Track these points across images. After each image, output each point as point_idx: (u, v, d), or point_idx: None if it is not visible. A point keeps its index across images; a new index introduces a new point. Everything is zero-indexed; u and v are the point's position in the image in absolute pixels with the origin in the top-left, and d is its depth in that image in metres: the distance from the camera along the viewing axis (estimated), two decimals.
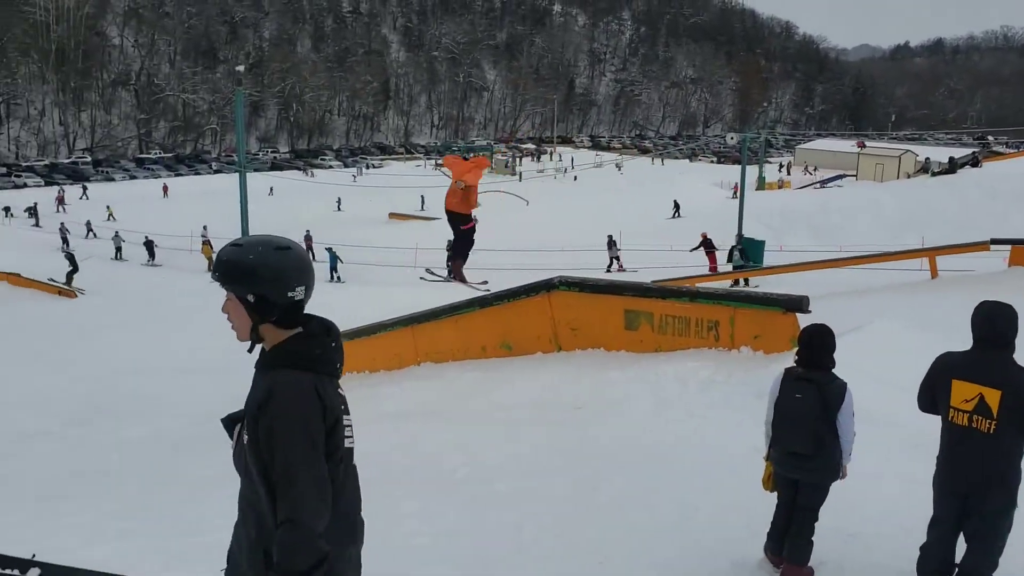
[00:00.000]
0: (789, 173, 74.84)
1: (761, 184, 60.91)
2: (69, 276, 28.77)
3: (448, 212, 10.82)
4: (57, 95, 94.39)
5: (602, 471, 6.52)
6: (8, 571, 4.42)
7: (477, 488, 6.47)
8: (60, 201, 56.80)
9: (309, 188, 66.84)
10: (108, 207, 51.91)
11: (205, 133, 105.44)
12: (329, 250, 30.61)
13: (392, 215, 48.15)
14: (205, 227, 37.74)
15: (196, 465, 8.62)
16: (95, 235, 42.69)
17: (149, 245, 35.71)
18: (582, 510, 5.78)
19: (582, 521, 5.59)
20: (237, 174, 40.66)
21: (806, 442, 4.35)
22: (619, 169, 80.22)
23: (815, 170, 75.46)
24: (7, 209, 53.03)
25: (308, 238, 34.39)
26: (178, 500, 6.99)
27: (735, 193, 48.82)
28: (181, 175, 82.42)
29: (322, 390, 2.48)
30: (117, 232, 37.73)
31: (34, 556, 4.59)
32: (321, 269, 27.69)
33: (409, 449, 7.96)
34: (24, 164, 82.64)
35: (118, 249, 36.82)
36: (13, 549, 4.77)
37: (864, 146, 71.02)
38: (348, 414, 2.61)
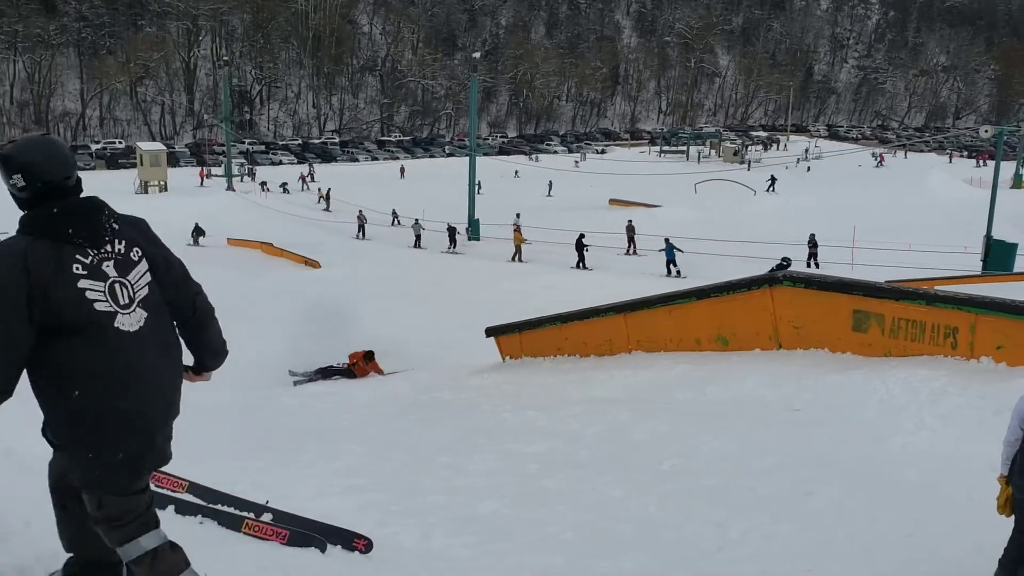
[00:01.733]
0: None
1: (1018, 182, 55.51)
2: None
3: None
4: (312, 79, 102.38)
5: (819, 476, 6.23)
6: (247, 513, 4.92)
7: (684, 481, 6.41)
8: (304, 179, 61.58)
9: (533, 172, 68.37)
10: (320, 190, 54.11)
11: (441, 118, 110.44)
12: (666, 240, 28.63)
13: (612, 201, 48.21)
14: (518, 215, 36.51)
15: (419, 431, 9.14)
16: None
17: (451, 232, 35.82)
18: (793, 514, 5.58)
19: (792, 525, 5.39)
20: (468, 157, 42.59)
21: None
22: (876, 160, 76.09)
23: None
24: (264, 184, 58.24)
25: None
26: (400, 463, 7.43)
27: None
28: (417, 157, 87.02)
29: (32, 254, 2.53)
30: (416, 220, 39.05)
31: (267, 502, 5.09)
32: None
33: (618, 436, 7.99)
34: (280, 143, 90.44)
35: (418, 237, 36.80)
36: (253, 494, 5.30)
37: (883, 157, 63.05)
38: (113, 278, 2.67)
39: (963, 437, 6.40)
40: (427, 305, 21.86)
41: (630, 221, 32.96)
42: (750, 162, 76.29)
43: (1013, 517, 4.33)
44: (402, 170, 71.39)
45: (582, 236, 29.78)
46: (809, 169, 70.98)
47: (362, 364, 14.75)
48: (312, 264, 29.73)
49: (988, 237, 27.50)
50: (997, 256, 26.31)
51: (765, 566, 4.84)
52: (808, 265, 27.77)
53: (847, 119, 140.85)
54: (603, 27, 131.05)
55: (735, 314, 10.72)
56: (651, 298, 12.05)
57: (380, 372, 14.74)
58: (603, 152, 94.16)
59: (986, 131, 33.55)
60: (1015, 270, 24.38)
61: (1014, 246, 26.42)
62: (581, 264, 29.50)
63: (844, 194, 46.14)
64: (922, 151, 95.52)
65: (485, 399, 10.69)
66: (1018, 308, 8.19)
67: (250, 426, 9.53)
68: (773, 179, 55.90)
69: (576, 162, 78.46)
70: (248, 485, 5.81)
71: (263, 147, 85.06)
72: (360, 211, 40.28)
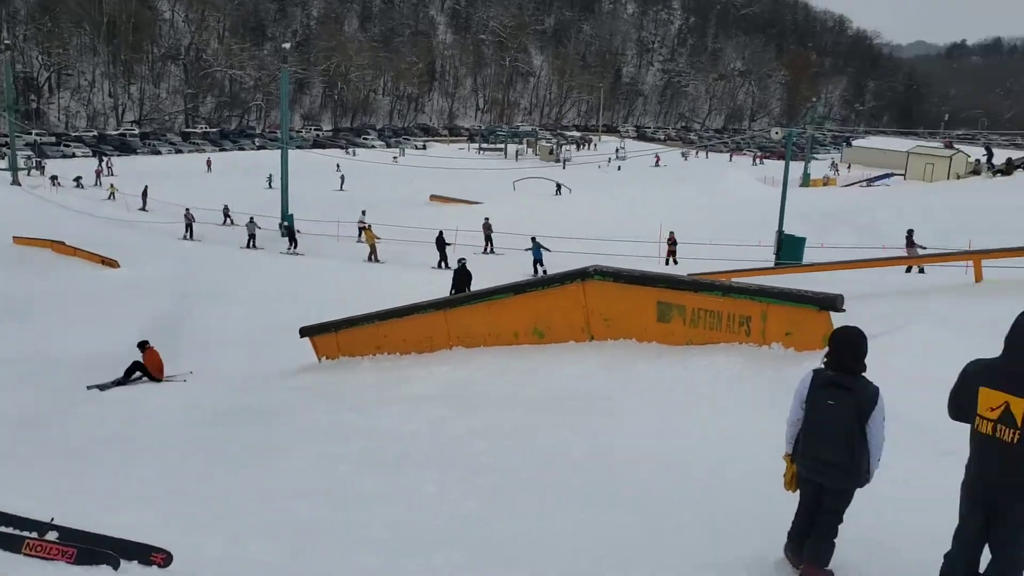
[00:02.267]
0: (837, 171, 73.73)
1: (806, 181, 60.08)
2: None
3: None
4: (107, 67, 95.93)
5: (627, 464, 6.48)
6: (28, 533, 4.52)
7: (500, 475, 6.47)
8: (99, 174, 57.29)
9: (353, 167, 67.29)
10: (112, 186, 49.93)
11: (250, 109, 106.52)
12: (533, 239, 28.14)
13: (433, 197, 48.20)
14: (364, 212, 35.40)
15: (227, 436, 8.74)
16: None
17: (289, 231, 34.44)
18: (607, 502, 5.75)
19: (602, 514, 5.56)
20: (280, 150, 41.24)
21: (839, 451, 4.27)
22: (685, 158, 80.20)
23: (848, 168, 74.58)
24: (55, 178, 54.00)
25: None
26: (206, 470, 7.07)
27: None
28: (226, 150, 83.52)
29: None
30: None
31: (52, 519, 4.69)
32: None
33: (435, 433, 7.98)
34: (72, 134, 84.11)
35: (252, 236, 34.26)
36: (37, 511, 4.87)
37: (951, 145, 69.18)
38: None
39: (756, 418, 6.81)
40: (248, 306, 20.92)
41: (487, 219, 32.19)
42: (565, 161, 78.60)
43: (798, 492, 4.67)
44: (208, 163, 68.30)
45: (442, 234, 29.40)
46: (620, 168, 73.89)
47: (144, 358, 14.08)
48: (110, 264, 27.85)
49: (780, 232, 29.59)
50: (788, 249, 28.35)
51: (577, 556, 4.96)
52: (667, 263, 28.28)
53: (654, 120, 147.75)
54: (418, 22, 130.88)
55: (550, 308, 10.98)
56: (470, 294, 12.14)
57: (159, 362, 14.09)
58: (424, 147, 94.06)
59: (776, 133, 36.02)
60: (804, 262, 26.29)
61: (803, 240, 28.54)
62: (443, 263, 28.67)
63: (650, 193, 48.28)
64: (721, 151, 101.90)
65: (299, 401, 10.39)
66: (804, 297, 8.84)
67: (38, 437, 8.80)
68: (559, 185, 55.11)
69: (395, 157, 77.96)
70: (32, 502, 5.34)
71: (53, 138, 78.79)
72: (187, 209, 37.47)
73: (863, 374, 4.34)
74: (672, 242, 29.50)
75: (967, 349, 4.63)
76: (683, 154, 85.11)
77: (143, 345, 14.22)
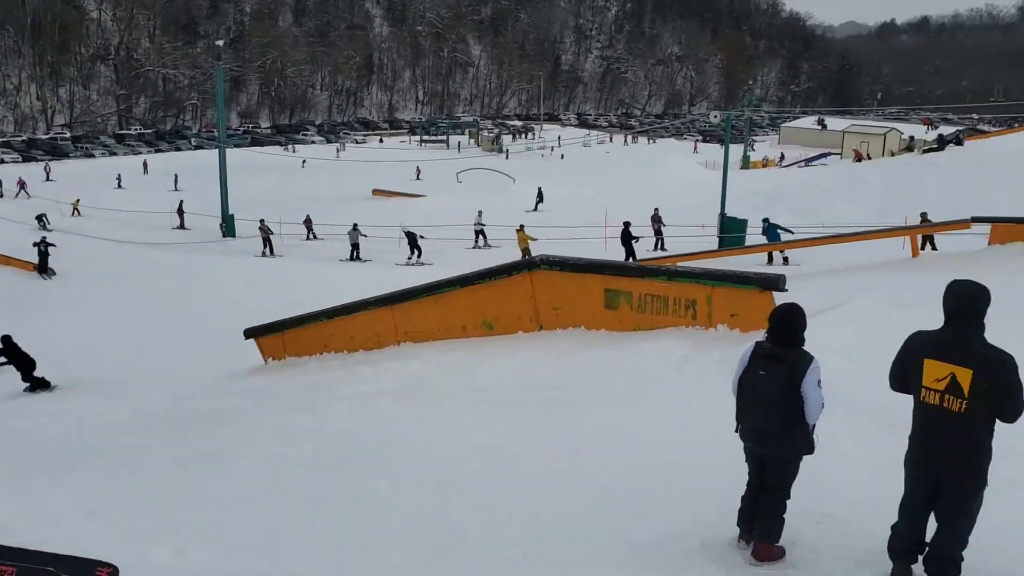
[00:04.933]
0: (782, 160, 74.70)
1: (745, 163, 60.89)
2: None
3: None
4: (34, 69, 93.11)
5: (579, 451, 6.50)
6: None
7: (451, 468, 6.43)
8: (22, 186, 49.40)
9: (293, 164, 66.52)
10: (76, 202, 43.53)
11: (186, 109, 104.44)
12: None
13: (376, 192, 47.78)
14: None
15: (173, 442, 8.54)
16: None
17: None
18: (558, 491, 5.75)
19: (557, 501, 5.56)
20: (217, 149, 40.37)
21: (771, 420, 4.33)
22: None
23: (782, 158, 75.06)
24: None
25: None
26: (151, 478, 6.91)
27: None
28: (162, 151, 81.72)
29: None
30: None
31: None
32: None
33: (385, 429, 7.91)
34: (0, 140, 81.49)
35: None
36: None
37: (931, 123, 69.72)
38: None
39: (704, 400, 6.88)
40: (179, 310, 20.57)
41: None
42: (508, 151, 78.58)
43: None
44: (145, 165, 66.78)
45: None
46: (563, 157, 74.08)
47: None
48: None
49: (722, 215, 30.00)
50: (731, 232, 28.72)
51: (530, 546, 4.95)
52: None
53: (595, 107, 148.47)
54: (353, 15, 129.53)
55: (498, 299, 10.95)
56: (416, 288, 12.03)
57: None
58: (363, 141, 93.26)
59: (715, 116, 36.46)
60: (747, 244, 26.65)
61: (744, 222, 28.96)
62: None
63: (595, 180, 48.53)
64: (663, 136, 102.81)
65: (247, 404, 10.21)
66: (747, 279, 8.97)
67: None
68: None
69: (337, 151, 77.22)
70: None
71: None
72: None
73: (801, 347, 4.40)
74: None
75: (906, 323, 4.72)
76: (606, 140, 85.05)
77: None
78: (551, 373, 8.85)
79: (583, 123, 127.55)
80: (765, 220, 24.47)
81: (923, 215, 24.02)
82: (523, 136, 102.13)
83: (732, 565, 4.54)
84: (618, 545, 4.89)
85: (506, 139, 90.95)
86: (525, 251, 26.31)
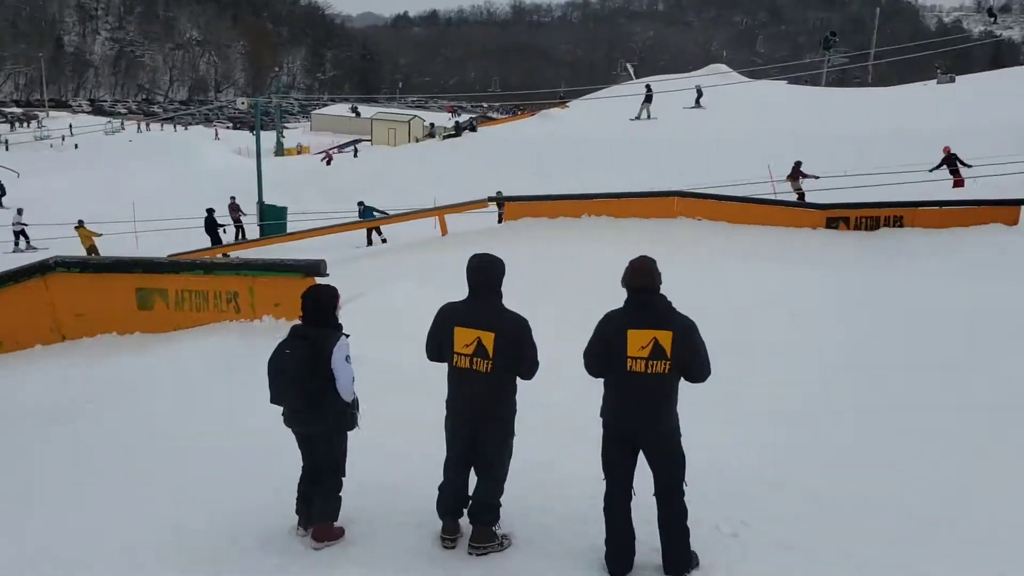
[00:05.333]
0: (327, 157, 75.18)
1: (280, 150, 60.75)
2: None
3: None
4: None
5: (119, 467, 5.95)
6: None
7: None
8: None
9: None
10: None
11: None
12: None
13: None
14: None
15: None
16: None
17: None
18: (122, 510, 5.20)
19: (134, 519, 5.03)
20: None
21: (296, 397, 4.38)
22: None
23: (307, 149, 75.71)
24: None
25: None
26: None
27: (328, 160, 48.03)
28: None
29: None
30: None
31: None
32: None
33: None
34: None
35: None
36: None
37: (454, 110, 72.19)
38: None
39: (249, 396, 6.69)
40: None
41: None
42: (8, 142, 69.12)
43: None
44: None
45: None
46: (77, 146, 67.02)
47: None
48: None
49: (260, 202, 29.43)
50: (272, 219, 28.26)
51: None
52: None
53: (111, 93, 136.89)
54: None
55: (5, 310, 9.53)
56: None
57: None
58: None
59: (243, 103, 35.75)
60: (289, 231, 26.42)
61: (284, 209, 28.76)
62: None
63: (115, 171, 44.72)
64: (192, 123, 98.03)
65: None
66: (288, 266, 8.95)
67: None
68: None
69: None
70: None
71: None
72: None
73: (333, 327, 4.51)
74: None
75: (439, 297, 5.04)
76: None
77: None
78: (79, 387, 7.90)
79: (98, 110, 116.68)
80: (360, 203, 25.21)
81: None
82: (25, 124, 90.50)
83: (293, 553, 4.51)
84: (167, 541, 4.70)
85: (2, 128, 79.97)
86: (91, 249, 24.31)
